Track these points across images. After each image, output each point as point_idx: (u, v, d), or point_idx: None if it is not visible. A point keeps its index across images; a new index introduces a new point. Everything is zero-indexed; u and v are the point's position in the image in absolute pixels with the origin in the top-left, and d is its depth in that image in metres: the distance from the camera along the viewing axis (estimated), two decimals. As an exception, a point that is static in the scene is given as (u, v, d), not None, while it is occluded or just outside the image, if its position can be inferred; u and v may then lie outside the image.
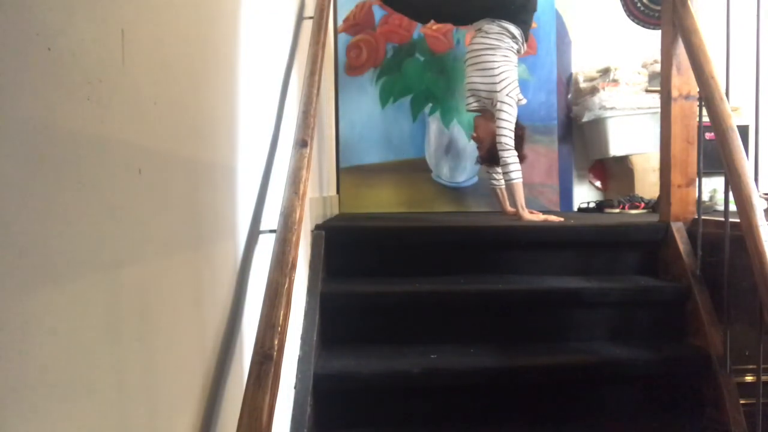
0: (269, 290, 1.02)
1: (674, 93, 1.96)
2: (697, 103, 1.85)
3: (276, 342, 0.94)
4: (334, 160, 3.16)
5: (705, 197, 2.52)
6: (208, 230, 0.96)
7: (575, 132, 3.51)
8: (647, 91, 3.21)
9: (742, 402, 1.63)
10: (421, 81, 3.33)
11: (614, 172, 3.50)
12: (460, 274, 1.99)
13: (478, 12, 2.63)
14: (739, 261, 1.61)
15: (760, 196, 1.51)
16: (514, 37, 2.60)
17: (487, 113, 2.70)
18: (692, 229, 1.92)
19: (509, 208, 2.76)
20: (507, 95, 2.56)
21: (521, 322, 1.84)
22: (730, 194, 1.56)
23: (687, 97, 1.96)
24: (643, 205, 3.06)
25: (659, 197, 2.13)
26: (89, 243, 0.59)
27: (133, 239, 0.69)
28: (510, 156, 2.52)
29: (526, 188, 2.62)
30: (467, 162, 3.33)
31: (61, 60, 0.54)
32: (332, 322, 1.76)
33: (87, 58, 0.59)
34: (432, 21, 2.97)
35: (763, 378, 1.49)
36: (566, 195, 3.41)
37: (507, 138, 2.53)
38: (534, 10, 2.68)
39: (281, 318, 0.98)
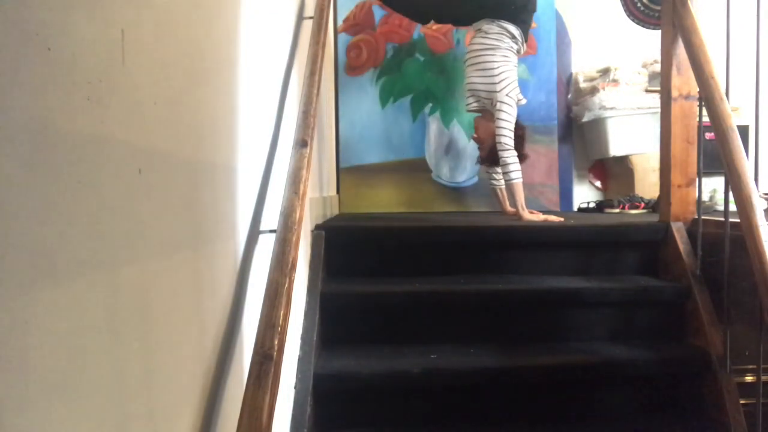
0: (269, 290, 1.02)
1: (674, 93, 1.96)
2: (697, 103, 1.85)
3: (276, 342, 0.94)
4: (334, 160, 3.16)
5: (705, 197, 2.52)
6: (208, 230, 0.96)
7: (575, 132, 3.51)
8: (647, 91, 3.21)
9: (742, 402, 1.63)
10: (421, 81, 3.33)
11: (614, 172, 3.50)
12: (460, 274, 1.99)
13: (478, 12, 2.63)
14: (739, 261, 1.61)
15: (760, 196, 1.51)
16: (513, 37, 2.60)
17: (487, 114, 2.70)
18: (692, 229, 1.92)
19: (509, 208, 2.76)
20: (507, 95, 2.56)
21: (521, 322, 1.84)
22: (730, 194, 1.56)
23: (687, 97, 1.96)
24: (643, 205, 3.06)
25: (659, 197, 2.13)
26: (89, 243, 0.59)
27: (133, 239, 0.69)
28: (510, 156, 2.52)
29: (526, 188, 2.62)
30: (467, 162, 3.33)
31: (61, 60, 0.54)
32: (332, 322, 1.76)
33: (87, 58, 0.59)
34: (432, 21, 2.97)
35: (763, 378, 1.49)
36: (566, 195, 3.41)
37: (507, 138, 2.53)
38: (534, 10, 2.68)
39: (281, 318, 0.98)
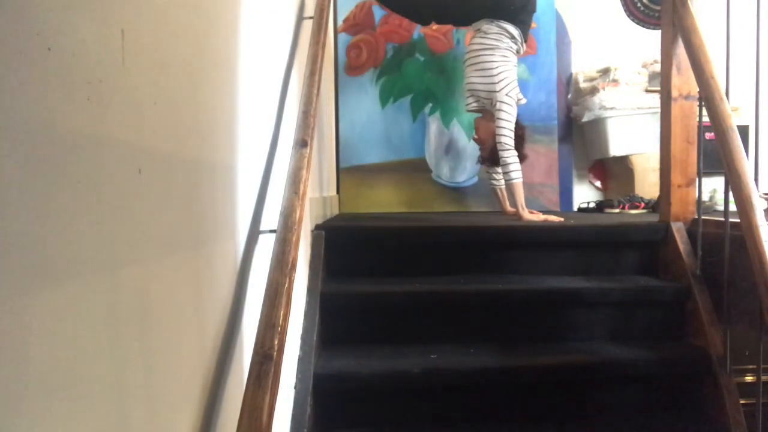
0: (269, 290, 1.02)
1: (674, 93, 1.96)
2: (697, 103, 1.85)
3: (276, 342, 0.94)
4: (334, 160, 3.16)
5: (705, 197, 2.52)
6: (208, 230, 0.96)
7: (575, 132, 3.51)
8: (647, 91, 3.21)
9: (742, 402, 1.63)
10: (421, 81, 3.33)
11: (614, 172, 3.50)
12: (460, 274, 1.99)
13: (477, 12, 2.63)
14: (739, 261, 1.61)
15: (760, 196, 1.51)
16: (513, 37, 2.60)
17: (488, 114, 2.70)
18: (692, 229, 1.92)
19: (509, 208, 2.76)
20: (506, 95, 2.56)
21: (521, 322, 1.84)
22: (730, 194, 1.56)
23: (687, 97, 1.96)
24: (643, 205, 3.06)
25: (659, 197, 2.13)
26: (89, 243, 0.59)
27: (133, 239, 0.69)
28: (510, 156, 2.52)
29: (526, 188, 2.62)
30: (467, 162, 3.33)
31: (61, 60, 0.54)
32: (332, 322, 1.76)
33: (87, 58, 0.59)
34: (433, 22, 2.97)
35: (763, 378, 1.49)
36: (566, 195, 3.41)
37: (507, 138, 2.53)
38: (533, 10, 2.68)
39: (281, 318, 0.98)
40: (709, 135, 1.75)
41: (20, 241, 0.48)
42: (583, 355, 1.72)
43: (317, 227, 1.98)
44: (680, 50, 1.89)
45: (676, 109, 1.97)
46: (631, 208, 3.06)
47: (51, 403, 0.52)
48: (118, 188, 0.65)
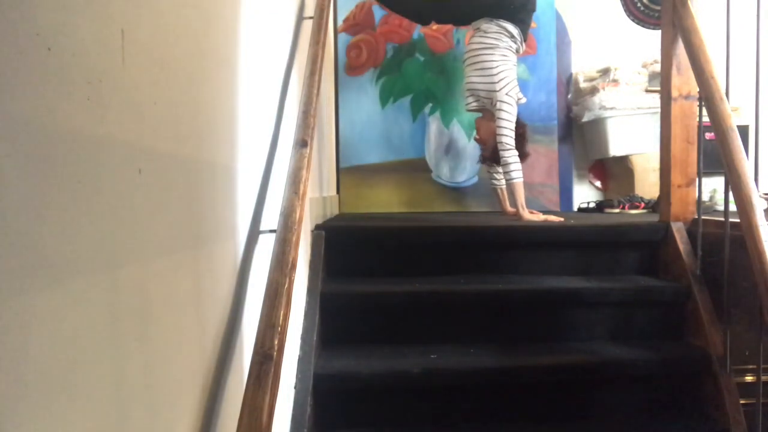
0: (269, 290, 1.02)
1: (674, 93, 1.96)
2: (697, 103, 1.85)
3: (276, 342, 0.94)
4: (334, 160, 3.16)
5: (705, 197, 2.52)
6: (208, 230, 0.96)
7: (575, 132, 3.51)
8: (647, 91, 3.21)
9: (742, 402, 1.63)
10: (421, 81, 3.33)
11: (614, 172, 3.50)
12: (460, 274, 1.99)
13: (477, 11, 2.63)
14: (739, 261, 1.61)
15: (760, 196, 1.51)
16: (512, 36, 2.60)
17: (488, 114, 2.70)
18: (692, 229, 1.92)
19: (509, 208, 2.76)
20: (506, 94, 2.56)
21: (521, 322, 1.84)
22: (730, 194, 1.56)
23: (687, 97, 1.96)
24: (643, 205, 3.06)
25: (659, 197, 2.13)
26: (89, 243, 0.59)
27: (133, 239, 0.69)
28: (510, 156, 2.52)
29: (526, 188, 2.61)
30: (467, 162, 3.33)
31: (61, 60, 0.54)
32: (332, 322, 1.76)
33: (87, 58, 0.59)
34: (433, 22, 2.97)
35: (763, 378, 1.49)
36: (566, 195, 3.41)
37: (507, 138, 2.53)
38: (533, 10, 2.68)
39: (281, 318, 0.98)
40: (709, 135, 1.75)
41: (20, 241, 0.48)
42: (583, 355, 1.72)
43: (317, 227, 1.98)
44: (680, 50, 1.89)
45: (676, 109, 1.97)
46: (631, 208, 3.06)
47: (51, 403, 0.52)
48: (118, 188, 0.65)
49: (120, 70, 0.66)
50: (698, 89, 1.75)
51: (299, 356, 1.56)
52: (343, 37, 3.32)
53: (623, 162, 3.30)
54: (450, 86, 3.31)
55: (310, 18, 1.90)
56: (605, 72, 3.28)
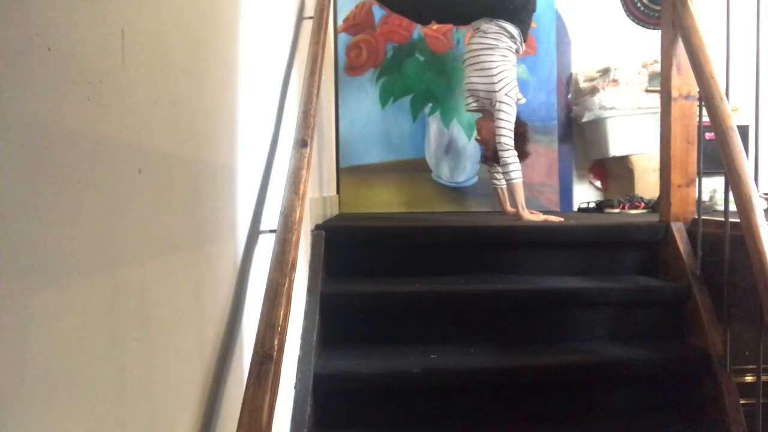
0: (269, 290, 1.02)
1: (674, 93, 1.96)
2: (697, 103, 1.85)
3: (276, 342, 0.94)
4: (334, 160, 3.16)
5: (705, 197, 2.52)
6: (208, 230, 0.96)
7: (575, 132, 3.51)
8: (647, 91, 3.21)
9: (742, 402, 1.63)
10: (421, 81, 3.33)
11: (614, 172, 3.50)
12: (460, 274, 1.99)
13: (477, 11, 2.63)
14: (739, 261, 1.61)
15: (760, 196, 1.51)
16: (512, 36, 2.60)
17: (488, 114, 2.70)
18: (692, 229, 1.92)
19: (509, 208, 2.76)
20: (506, 95, 2.56)
21: (521, 322, 1.84)
22: (730, 194, 1.56)
23: (687, 97, 1.96)
24: (643, 205, 3.06)
25: (659, 197, 2.13)
26: (89, 243, 0.59)
27: (133, 239, 0.69)
28: (510, 156, 2.52)
29: (526, 188, 2.62)
30: (467, 162, 3.33)
31: (61, 60, 0.54)
32: (332, 322, 1.76)
33: (87, 58, 0.59)
34: (433, 22, 2.97)
35: (763, 378, 1.49)
36: (566, 195, 3.41)
37: (507, 138, 2.53)
38: (533, 10, 2.68)
39: (281, 318, 0.98)
40: (709, 135, 1.75)
41: (20, 241, 0.48)
42: (583, 355, 1.72)
43: (317, 227, 1.98)
44: (680, 50, 1.89)
45: (676, 109, 1.97)
46: (631, 208, 3.06)
47: (51, 402, 0.52)
48: (118, 188, 0.65)
49: (120, 70, 0.66)
50: (698, 89, 1.75)
51: (299, 356, 1.56)
52: (343, 37, 3.32)
53: (623, 162, 3.30)
54: (450, 86, 3.31)
55: (310, 18, 1.90)
56: (605, 72, 3.28)
